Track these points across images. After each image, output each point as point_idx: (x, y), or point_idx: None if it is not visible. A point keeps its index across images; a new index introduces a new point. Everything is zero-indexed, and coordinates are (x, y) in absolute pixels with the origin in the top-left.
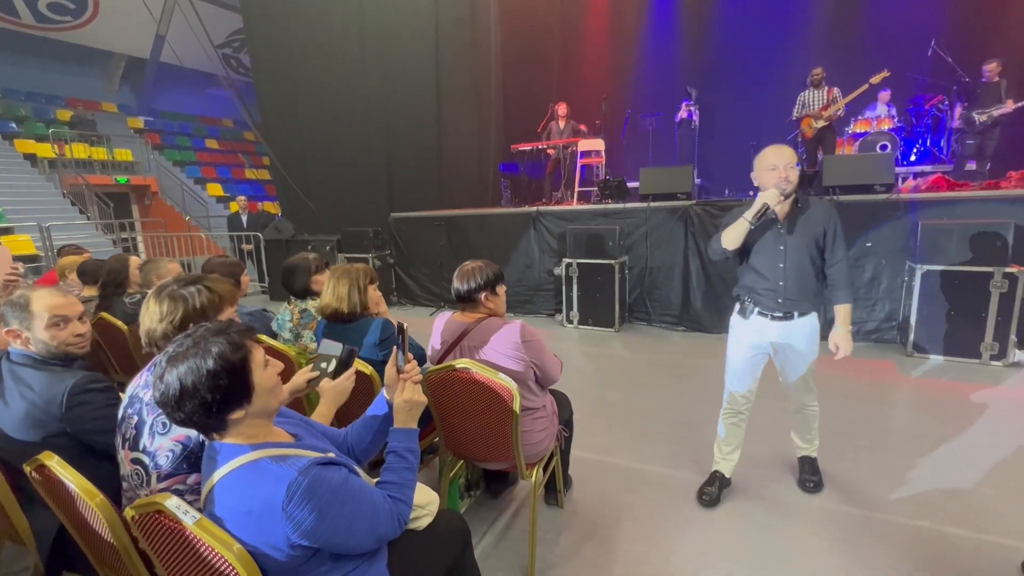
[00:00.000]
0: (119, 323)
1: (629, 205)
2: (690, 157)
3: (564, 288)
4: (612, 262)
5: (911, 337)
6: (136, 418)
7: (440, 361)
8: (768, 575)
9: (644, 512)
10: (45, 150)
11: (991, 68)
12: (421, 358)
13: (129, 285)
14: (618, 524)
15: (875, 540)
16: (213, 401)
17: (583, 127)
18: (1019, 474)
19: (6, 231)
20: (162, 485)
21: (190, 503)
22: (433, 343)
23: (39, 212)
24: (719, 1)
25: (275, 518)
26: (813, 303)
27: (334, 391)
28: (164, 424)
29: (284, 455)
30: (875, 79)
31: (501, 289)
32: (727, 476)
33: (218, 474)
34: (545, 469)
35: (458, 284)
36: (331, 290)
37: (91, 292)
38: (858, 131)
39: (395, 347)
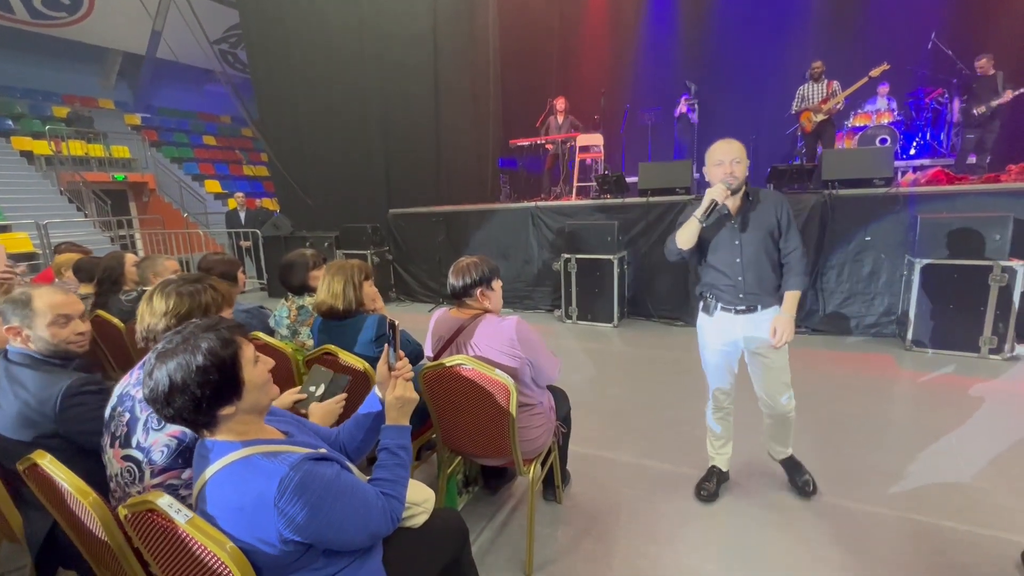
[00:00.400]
0: (116, 321)
1: (628, 200)
2: (689, 152)
3: (563, 283)
4: (611, 257)
5: (910, 331)
6: (128, 415)
7: (436, 358)
8: (766, 569)
9: (642, 507)
10: (42, 147)
11: (982, 63)
12: (418, 355)
13: (125, 282)
14: (616, 519)
15: (873, 534)
16: (203, 397)
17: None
18: (1017, 468)
19: (4, 229)
20: (156, 480)
21: (185, 498)
22: (429, 339)
23: (36, 210)
24: None
25: (267, 514)
26: (774, 296)
27: (322, 412)
28: (159, 420)
29: (275, 451)
30: (875, 72)
31: (497, 285)
32: (724, 470)
33: (209, 471)
34: (543, 465)
35: (453, 280)
36: (326, 287)
37: (87, 289)
38: (858, 125)
39: (387, 344)
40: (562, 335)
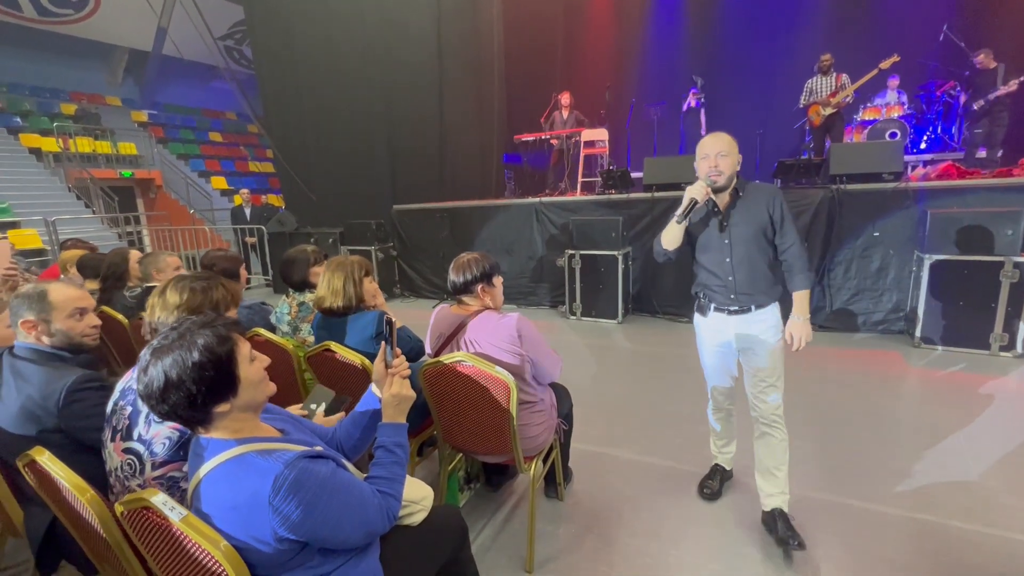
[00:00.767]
0: (120, 317)
1: (633, 195)
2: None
3: (567, 280)
4: (615, 253)
5: (918, 328)
6: (129, 408)
7: (437, 354)
8: (770, 568)
9: (645, 505)
10: (50, 144)
11: (981, 58)
12: (419, 351)
13: (129, 279)
14: (619, 517)
15: (878, 533)
16: (198, 393)
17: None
18: None
19: (13, 225)
20: (157, 473)
21: (186, 490)
22: (429, 336)
23: (45, 206)
24: None
25: (261, 512)
26: (769, 295)
27: (320, 423)
28: None
29: (270, 449)
30: (884, 64)
31: (498, 281)
32: (727, 468)
33: (204, 469)
34: (545, 461)
35: (454, 276)
36: (326, 283)
37: (92, 285)
38: (867, 119)
39: (384, 342)
40: (566, 331)
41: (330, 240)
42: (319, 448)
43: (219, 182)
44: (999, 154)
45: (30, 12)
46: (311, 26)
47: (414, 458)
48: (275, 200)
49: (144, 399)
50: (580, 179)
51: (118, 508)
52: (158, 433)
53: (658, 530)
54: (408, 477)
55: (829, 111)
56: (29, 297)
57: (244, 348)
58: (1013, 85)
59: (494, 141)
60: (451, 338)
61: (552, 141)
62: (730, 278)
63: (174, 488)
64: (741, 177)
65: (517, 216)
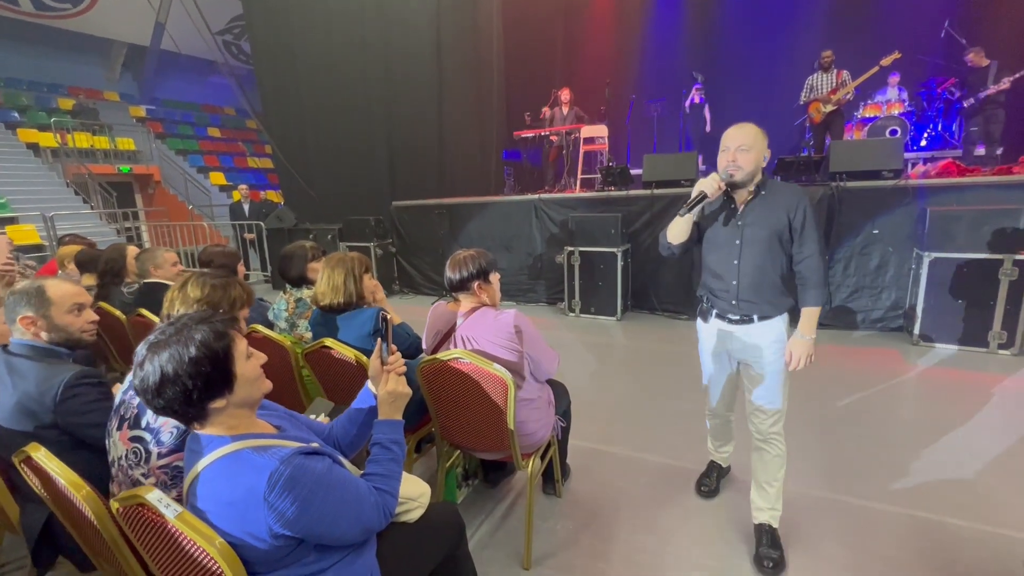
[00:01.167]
0: (117, 313)
1: (632, 192)
2: (697, 144)
3: (566, 276)
4: (615, 250)
5: (917, 326)
6: (138, 399)
7: (434, 351)
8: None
9: (643, 501)
10: (47, 139)
11: (972, 56)
12: (418, 349)
13: (127, 275)
14: (616, 513)
15: (876, 531)
16: (194, 388)
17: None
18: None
19: (11, 221)
20: (163, 462)
21: None
22: (427, 333)
23: (43, 202)
24: None
25: (257, 508)
26: (776, 306)
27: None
28: None
29: (266, 445)
30: (885, 61)
31: (494, 278)
32: (724, 466)
33: (199, 465)
34: (543, 458)
35: (450, 273)
36: (326, 279)
37: (89, 281)
38: (868, 116)
39: (379, 339)
40: (564, 328)
41: (329, 236)
42: (315, 444)
43: (218, 178)
44: (999, 151)
45: (27, 7)
46: (310, 21)
47: (412, 455)
48: (274, 196)
49: (140, 394)
50: (580, 176)
51: (114, 505)
52: (166, 422)
53: (655, 527)
54: (405, 474)
55: (830, 108)
56: (27, 293)
57: (241, 345)
58: (1005, 83)
59: (493, 137)
60: (448, 335)
61: (552, 138)
62: (734, 282)
63: (178, 477)
64: (767, 174)
65: (516, 213)
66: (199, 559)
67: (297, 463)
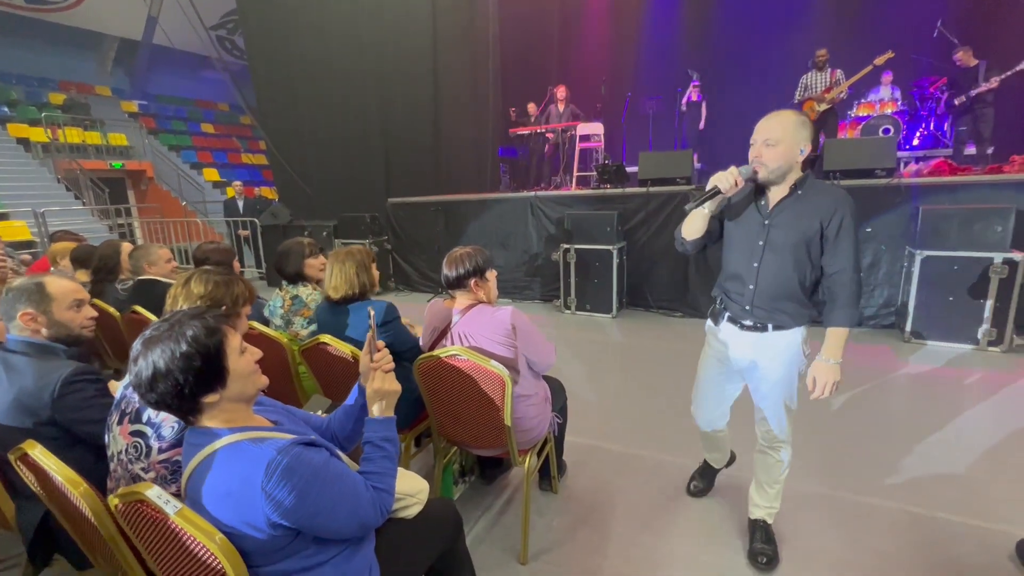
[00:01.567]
0: (111, 310)
1: (628, 190)
2: (696, 140)
3: (562, 274)
4: (610, 248)
5: (909, 322)
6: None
7: (431, 348)
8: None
9: (639, 497)
10: (38, 134)
11: (960, 55)
12: (415, 348)
13: (121, 271)
14: (612, 509)
15: (868, 525)
16: (186, 383)
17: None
18: (1013, 460)
19: (1, 217)
20: (163, 456)
21: None
22: (424, 330)
23: (34, 198)
24: None
25: (254, 497)
26: (795, 318)
27: None
28: None
29: (263, 437)
30: (879, 60)
31: (491, 275)
32: (717, 468)
33: (197, 458)
34: (539, 455)
35: (447, 271)
36: (340, 273)
37: (83, 278)
38: (861, 114)
39: (368, 335)
40: (560, 325)
41: (324, 233)
42: (313, 437)
43: (211, 174)
44: (989, 150)
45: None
46: (304, 15)
47: (410, 450)
48: (268, 192)
49: (135, 388)
50: (575, 173)
51: (113, 501)
52: (167, 417)
53: (651, 522)
54: (404, 471)
55: (824, 107)
56: (26, 290)
57: (234, 340)
58: (994, 82)
59: (489, 135)
60: (444, 332)
61: (547, 135)
62: (751, 286)
63: (178, 472)
64: (810, 172)
65: (512, 210)
66: (199, 555)
67: (295, 453)
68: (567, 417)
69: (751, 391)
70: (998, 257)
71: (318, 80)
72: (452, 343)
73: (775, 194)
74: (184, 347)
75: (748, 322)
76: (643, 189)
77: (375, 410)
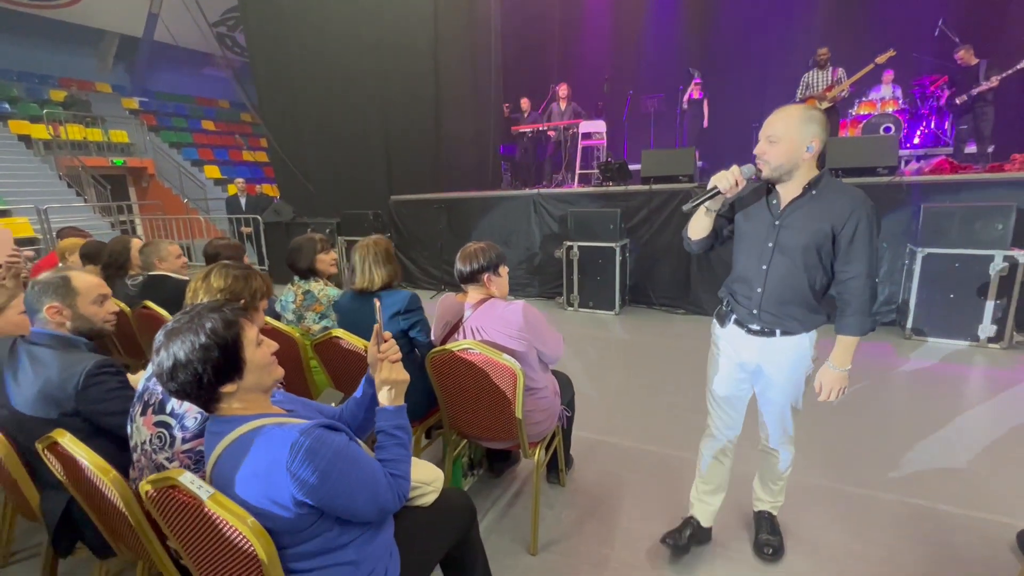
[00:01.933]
0: (122, 305)
1: (631, 188)
2: (697, 138)
3: (565, 271)
4: (613, 245)
5: (910, 320)
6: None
7: (443, 342)
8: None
9: (643, 490)
10: (39, 131)
11: (962, 54)
12: (422, 343)
13: (131, 267)
14: (619, 502)
15: (871, 517)
16: (204, 373)
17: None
18: (1013, 454)
19: (4, 214)
20: (187, 446)
21: None
22: (436, 324)
23: (36, 195)
24: None
25: (280, 477)
26: (804, 323)
27: None
28: None
29: (284, 422)
30: (880, 59)
31: (503, 270)
32: (704, 526)
33: (222, 444)
34: (547, 449)
35: (461, 265)
36: (380, 267)
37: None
38: (862, 113)
39: (375, 326)
40: (564, 322)
41: (327, 230)
42: (333, 421)
43: (212, 171)
44: (990, 149)
45: None
46: (305, 12)
47: (420, 443)
48: (269, 190)
49: (157, 378)
50: (578, 171)
51: (144, 487)
52: (191, 408)
53: (657, 514)
54: (419, 460)
55: (825, 105)
56: (52, 284)
57: (251, 332)
58: (995, 81)
59: (490, 132)
60: (457, 326)
61: (549, 132)
62: (759, 289)
63: (201, 462)
64: (827, 171)
65: (515, 207)
66: (231, 538)
67: (317, 434)
68: (574, 411)
69: (756, 394)
70: (999, 255)
71: (319, 77)
72: (464, 337)
73: (786, 193)
74: (203, 339)
75: (755, 326)
76: (646, 187)
77: (385, 399)
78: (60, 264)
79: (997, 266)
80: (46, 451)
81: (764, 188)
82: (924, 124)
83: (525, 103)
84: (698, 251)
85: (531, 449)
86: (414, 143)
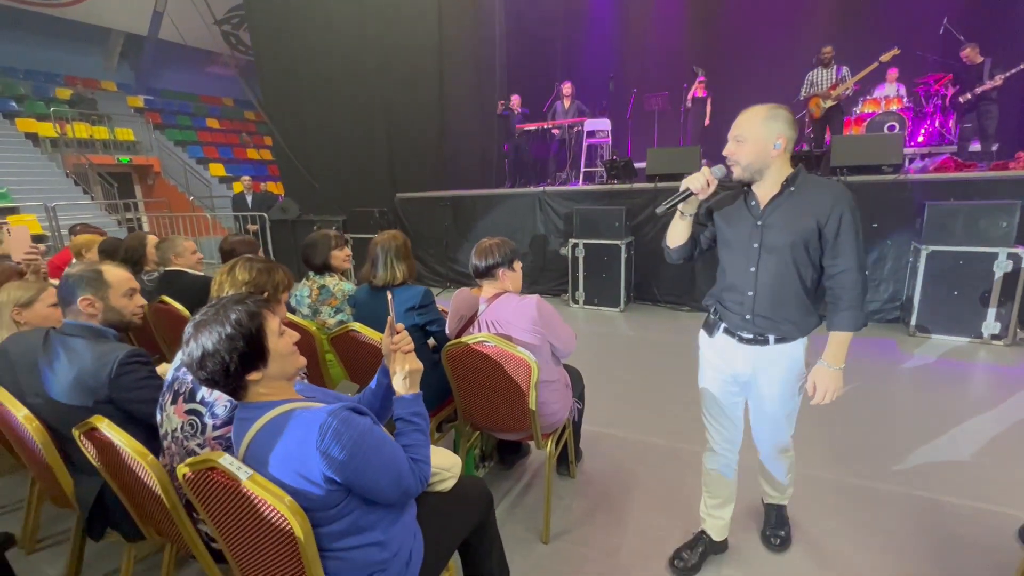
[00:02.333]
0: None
1: (636, 185)
2: (701, 136)
3: (570, 268)
4: (618, 242)
5: (914, 317)
6: (191, 375)
7: (458, 336)
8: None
9: (652, 482)
10: (46, 129)
11: (967, 53)
12: (441, 336)
13: (147, 263)
14: (628, 493)
15: (876, 508)
16: (231, 362)
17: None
18: (1017, 448)
19: (12, 211)
20: (217, 433)
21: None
22: (451, 318)
23: (43, 192)
24: None
25: (310, 456)
26: (799, 326)
27: None
28: None
29: (312, 405)
30: (885, 57)
31: (518, 265)
32: (717, 540)
33: (253, 429)
34: (558, 441)
35: (476, 260)
36: (401, 261)
37: None
38: (866, 111)
39: (388, 318)
40: (569, 319)
41: (333, 228)
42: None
43: (217, 169)
44: (994, 147)
45: None
46: (310, 10)
47: (433, 435)
48: (273, 187)
49: (187, 367)
50: (583, 169)
51: (182, 470)
52: (220, 396)
53: (666, 505)
54: (437, 447)
55: (829, 103)
56: (86, 276)
57: (273, 323)
58: (999, 79)
59: (495, 130)
60: (472, 320)
61: (554, 131)
62: (750, 293)
63: (230, 448)
64: (802, 167)
65: (520, 205)
66: (268, 516)
67: (343, 416)
68: (585, 404)
69: (749, 407)
70: (1003, 252)
71: (324, 75)
72: (479, 331)
73: (764, 193)
74: (229, 329)
75: (747, 334)
76: (651, 185)
77: (401, 388)
78: (75, 260)
79: (1001, 263)
80: (83, 437)
81: (741, 191)
82: (928, 122)
83: (515, 100)
84: (677, 260)
85: (544, 440)
86: (418, 141)
